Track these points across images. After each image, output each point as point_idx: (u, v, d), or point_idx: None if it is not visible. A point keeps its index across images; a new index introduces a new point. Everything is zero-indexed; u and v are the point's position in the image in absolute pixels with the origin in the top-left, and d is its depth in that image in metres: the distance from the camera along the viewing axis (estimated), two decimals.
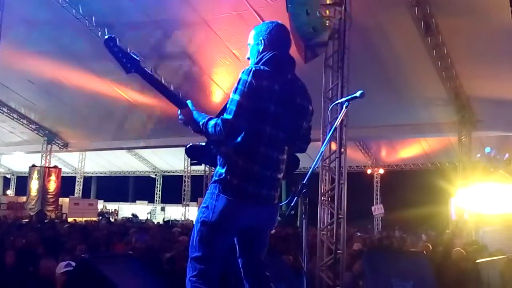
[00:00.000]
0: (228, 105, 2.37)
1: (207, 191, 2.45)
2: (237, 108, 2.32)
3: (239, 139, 2.36)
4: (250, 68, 2.39)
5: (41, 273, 4.96)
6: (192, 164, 21.73)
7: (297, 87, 2.55)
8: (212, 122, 2.38)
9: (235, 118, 2.31)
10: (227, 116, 2.33)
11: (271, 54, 2.48)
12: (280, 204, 2.56)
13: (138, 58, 2.43)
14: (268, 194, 2.45)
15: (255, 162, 2.38)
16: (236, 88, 2.35)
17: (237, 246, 2.57)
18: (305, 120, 2.59)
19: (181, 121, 2.54)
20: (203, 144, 2.58)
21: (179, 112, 2.53)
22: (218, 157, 2.46)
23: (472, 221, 11.54)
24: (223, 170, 2.38)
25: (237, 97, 2.33)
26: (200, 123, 2.43)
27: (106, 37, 2.42)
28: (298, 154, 2.76)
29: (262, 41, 2.53)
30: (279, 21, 2.60)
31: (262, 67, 2.41)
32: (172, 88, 13.33)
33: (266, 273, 2.56)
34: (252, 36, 2.60)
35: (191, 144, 2.64)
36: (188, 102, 2.54)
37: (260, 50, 2.53)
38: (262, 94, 2.35)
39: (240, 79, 2.36)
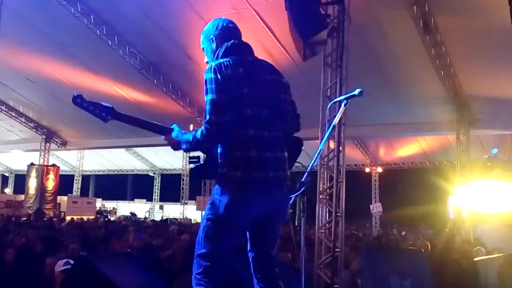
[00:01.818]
0: (205, 108, 2.39)
1: (213, 189, 2.45)
2: (212, 106, 2.33)
3: (227, 132, 2.35)
4: (210, 65, 2.41)
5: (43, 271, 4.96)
6: (190, 163, 21.71)
7: (262, 66, 2.58)
8: (198, 132, 2.39)
9: (214, 116, 2.32)
10: (207, 117, 2.35)
11: (225, 46, 2.52)
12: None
13: (110, 105, 2.57)
14: (275, 175, 2.41)
15: (250, 148, 2.37)
16: (206, 89, 2.37)
17: (248, 239, 2.55)
18: (282, 92, 2.58)
19: (169, 145, 2.57)
20: (203, 163, 2.61)
21: (163, 138, 2.58)
22: (217, 158, 2.44)
23: (470, 219, 11.56)
24: (225, 168, 2.38)
25: (209, 96, 2.35)
26: (190, 139, 2.43)
27: (73, 97, 2.54)
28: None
29: (214, 39, 2.58)
30: (223, 17, 2.66)
31: (220, 60, 2.44)
32: (171, 86, 13.39)
33: (275, 270, 2.54)
34: (203, 39, 2.65)
35: (193, 166, 2.70)
36: (174, 126, 2.58)
37: (215, 48, 2.57)
38: (231, 83, 2.36)
39: (205, 80, 2.38)
